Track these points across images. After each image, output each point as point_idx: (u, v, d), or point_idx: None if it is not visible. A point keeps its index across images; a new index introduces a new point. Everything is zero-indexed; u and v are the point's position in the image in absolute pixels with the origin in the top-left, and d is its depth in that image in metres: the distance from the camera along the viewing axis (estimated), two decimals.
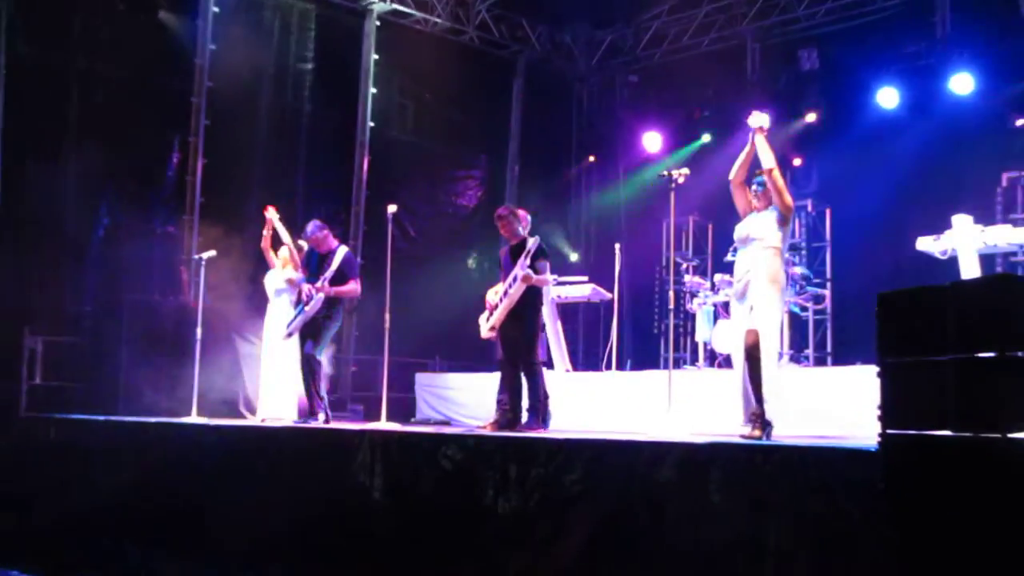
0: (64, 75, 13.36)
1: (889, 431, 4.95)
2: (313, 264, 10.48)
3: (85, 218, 13.43)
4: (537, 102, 18.44)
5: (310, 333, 10.34)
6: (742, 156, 7.65)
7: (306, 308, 10.25)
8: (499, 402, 9.47)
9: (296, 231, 11.20)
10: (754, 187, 7.55)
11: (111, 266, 13.42)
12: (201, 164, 14.40)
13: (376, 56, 16.25)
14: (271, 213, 11.19)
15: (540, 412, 9.08)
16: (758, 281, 7.31)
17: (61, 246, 13.30)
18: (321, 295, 10.21)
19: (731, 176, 7.69)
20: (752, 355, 7.25)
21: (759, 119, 7.54)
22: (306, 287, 10.36)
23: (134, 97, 13.78)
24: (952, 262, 10.50)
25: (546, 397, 9.32)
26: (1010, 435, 4.49)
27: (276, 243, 11.24)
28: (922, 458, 4.79)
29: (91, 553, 10.54)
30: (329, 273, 10.28)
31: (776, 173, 7.41)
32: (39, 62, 13.12)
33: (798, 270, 12.87)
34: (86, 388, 12.49)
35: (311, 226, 10.55)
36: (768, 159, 7.43)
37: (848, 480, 5.35)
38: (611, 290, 13.21)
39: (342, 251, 10.54)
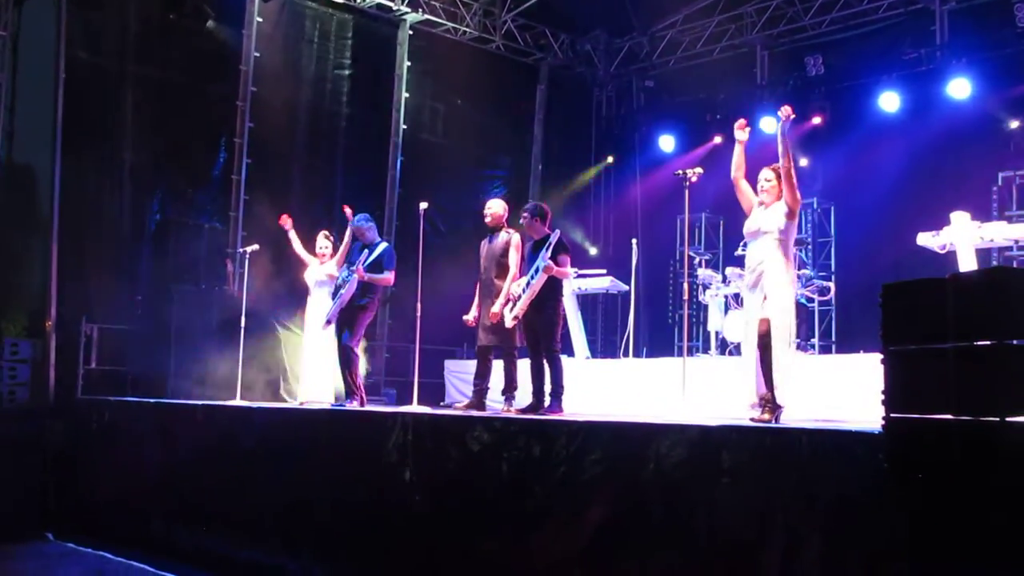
0: (119, 80, 13.43)
1: (893, 415, 4.91)
2: (355, 255, 10.46)
3: (138, 214, 13.52)
4: (559, 106, 18.49)
5: (347, 324, 10.30)
6: (736, 154, 7.61)
7: (341, 291, 10.24)
8: (475, 385, 9.69)
9: (334, 226, 11.21)
10: (762, 181, 7.47)
11: (162, 259, 13.50)
12: (245, 164, 14.47)
13: (409, 63, 16.30)
14: (285, 221, 11.37)
15: (561, 396, 9.02)
16: (771, 271, 7.24)
17: (116, 240, 13.39)
18: (355, 277, 10.19)
19: (732, 174, 7.63)
20: (764, 342, 7.19)
21: (784, 111, 7.42)
22: (344, 272, 10.35)
23: (183, 101, 13.88)
24: (950, 256, 10.41)
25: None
26: (1007, 419, 4.45)
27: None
28: (924, 440, 4.75)
29: (141, 528, 10.59)
30: (367, 260, 10.26)
31: (791, 169, 7.33)
32: (96, 68, 13.20)
33: (807, 272, 12.89)
34: (138, 372, 12.56)
35: (360, 217, 10.58)
36: (785, 154, 7.35)
37: (854, 461, 5.30)
38: (628, 282, 13.14)
39: (384, 244, 10.56)
